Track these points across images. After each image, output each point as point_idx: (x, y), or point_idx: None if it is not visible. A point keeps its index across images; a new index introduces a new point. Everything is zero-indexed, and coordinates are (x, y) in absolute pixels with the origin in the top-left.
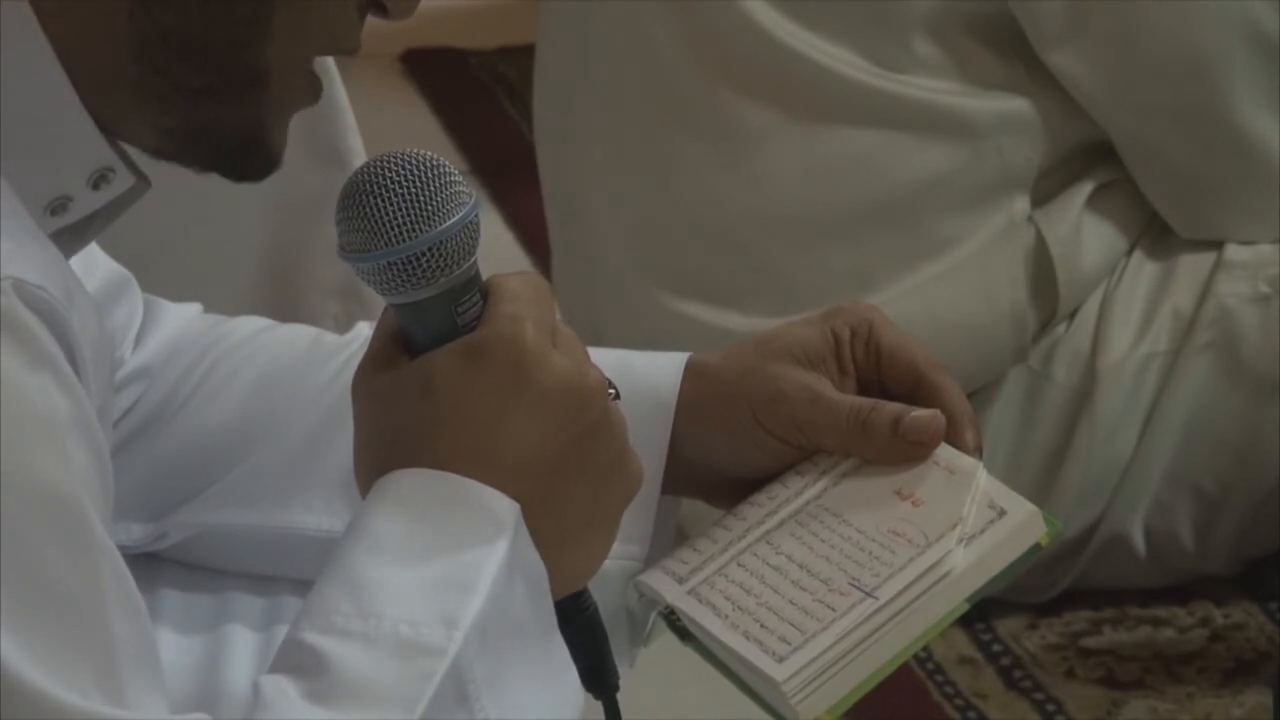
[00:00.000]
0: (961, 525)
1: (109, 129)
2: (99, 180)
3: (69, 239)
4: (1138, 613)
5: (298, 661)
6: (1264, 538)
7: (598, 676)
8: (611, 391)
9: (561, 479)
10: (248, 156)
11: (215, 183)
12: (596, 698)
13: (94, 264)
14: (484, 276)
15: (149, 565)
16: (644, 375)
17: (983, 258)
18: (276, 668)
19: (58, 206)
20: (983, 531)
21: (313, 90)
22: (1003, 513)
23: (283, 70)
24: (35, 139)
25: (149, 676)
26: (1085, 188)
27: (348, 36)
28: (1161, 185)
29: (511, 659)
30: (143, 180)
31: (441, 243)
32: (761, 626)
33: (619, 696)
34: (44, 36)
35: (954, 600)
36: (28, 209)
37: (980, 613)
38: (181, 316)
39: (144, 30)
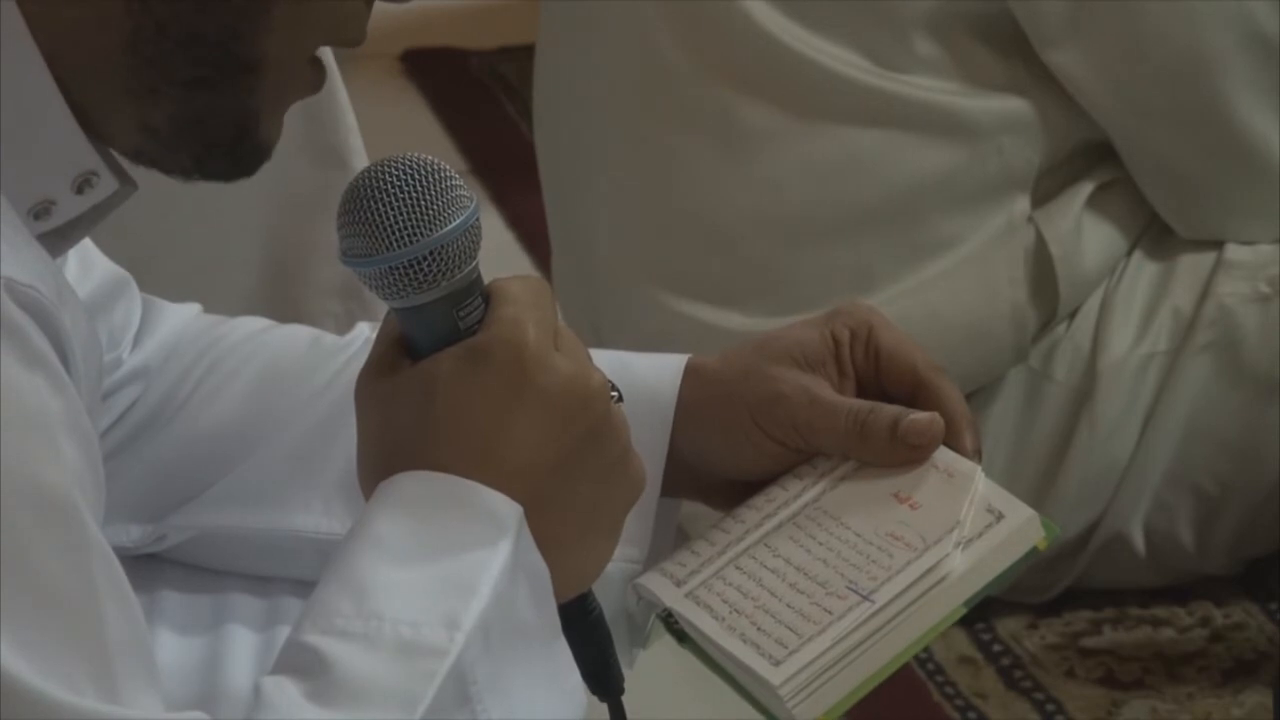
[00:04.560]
0: (959, 529)
1: (93, 130)
2: (82, 184)
3: (53, 242)
4: (1138, 613)
5: (299, 662)
6: (1264, 538)
7: (603, 678)
8: (614, 394)
9: (564, 481)
10: (237, 150)
11: (211, 183)
12: (602, 699)
13: (92, 265)
14: (485, 278)
15: (149, 566)
16: (643, 377)
17: (983, 257)
18: (278, 668)
19: (41, 210)
20: (980, 535)
21: (314, 80)
22: (1000, 516)
23: (281, 61)
24: (19, 141)
25: (144, 673)
26: (1085, 188)
27: (353, 26)
28: (1161, 185)
29: (514, 660)
30: (128, 184)
31: (443, 247)
32: (758, 630)
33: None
34: (31, 38)
35: (951, 604)
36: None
37: (980, 613)
38: (181, 316)
39: (140, 23)
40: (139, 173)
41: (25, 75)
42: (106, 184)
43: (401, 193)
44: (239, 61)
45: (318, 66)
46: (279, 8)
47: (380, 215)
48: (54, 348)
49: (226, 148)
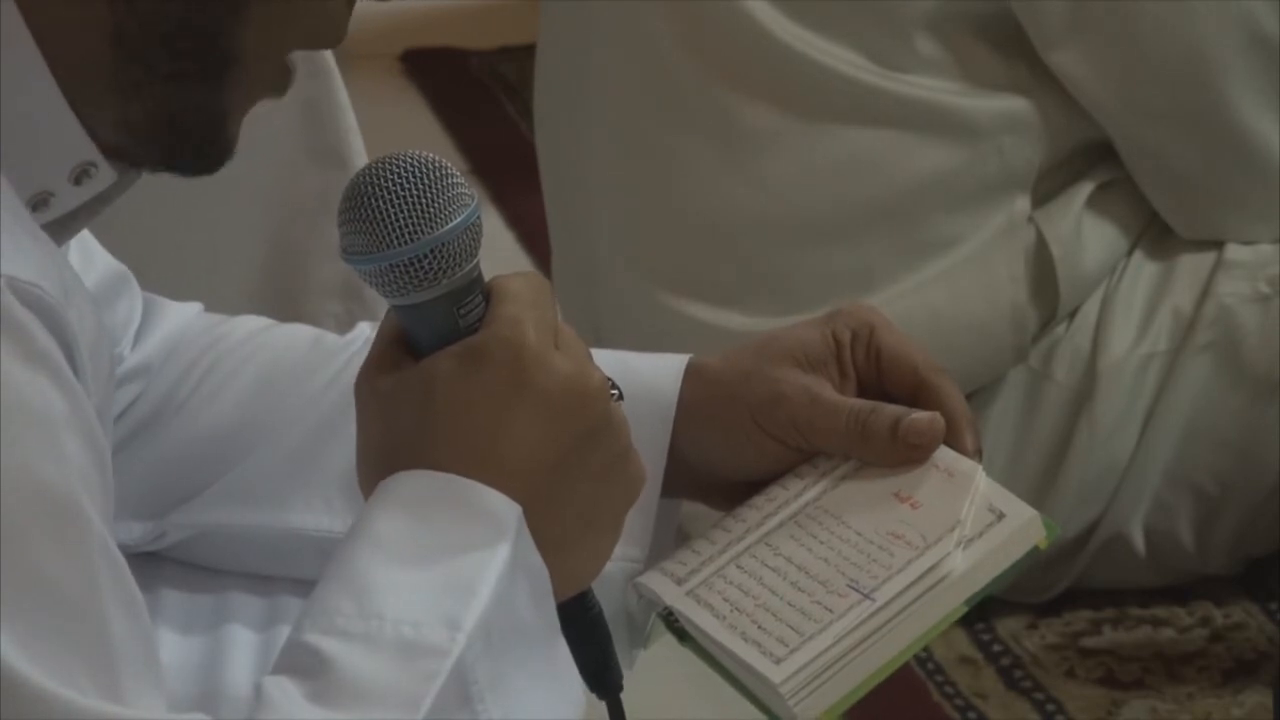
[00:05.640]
0: (960, 528)
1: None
2: (80, 175)
3: (54, 231)
4: (1138, 613)
5: (300, 662)
6: (1264, 538)
7: (601, 677)
8: (614, 393)
9: (563, 480)
10: (204, 146)
11: (216, 182)
12: (600, 698)
13: (93, 261)
14: (485, 277)
15: (149, 565)
16: (644, 377)
17: (983, 257)
18: (279, 669)
19: (39, 202)
20: (981, 534)
21: (282, 82)
22: (1001, 516)
23: (257, 58)
24: (15, 133)
25: (147, 674)
26: (1085, 187)
27: (332, 27)
28: (1162, 185)
29: (514, 660)
30: (128, 175)
31: (444, 244)
32: (759, 628)
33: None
34: (27, 30)
35: (952, 603)
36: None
37: (980, 613)
38: (182, 315)
39: (123, 19)
40: None
41: (21, 67)
42: (105, 175)
43: (403, 190)
44: (217, 56)
45: (285, 69)
46: (258, 4)
47: (381, 213)
48: (59, 345)
49: (194, 144)
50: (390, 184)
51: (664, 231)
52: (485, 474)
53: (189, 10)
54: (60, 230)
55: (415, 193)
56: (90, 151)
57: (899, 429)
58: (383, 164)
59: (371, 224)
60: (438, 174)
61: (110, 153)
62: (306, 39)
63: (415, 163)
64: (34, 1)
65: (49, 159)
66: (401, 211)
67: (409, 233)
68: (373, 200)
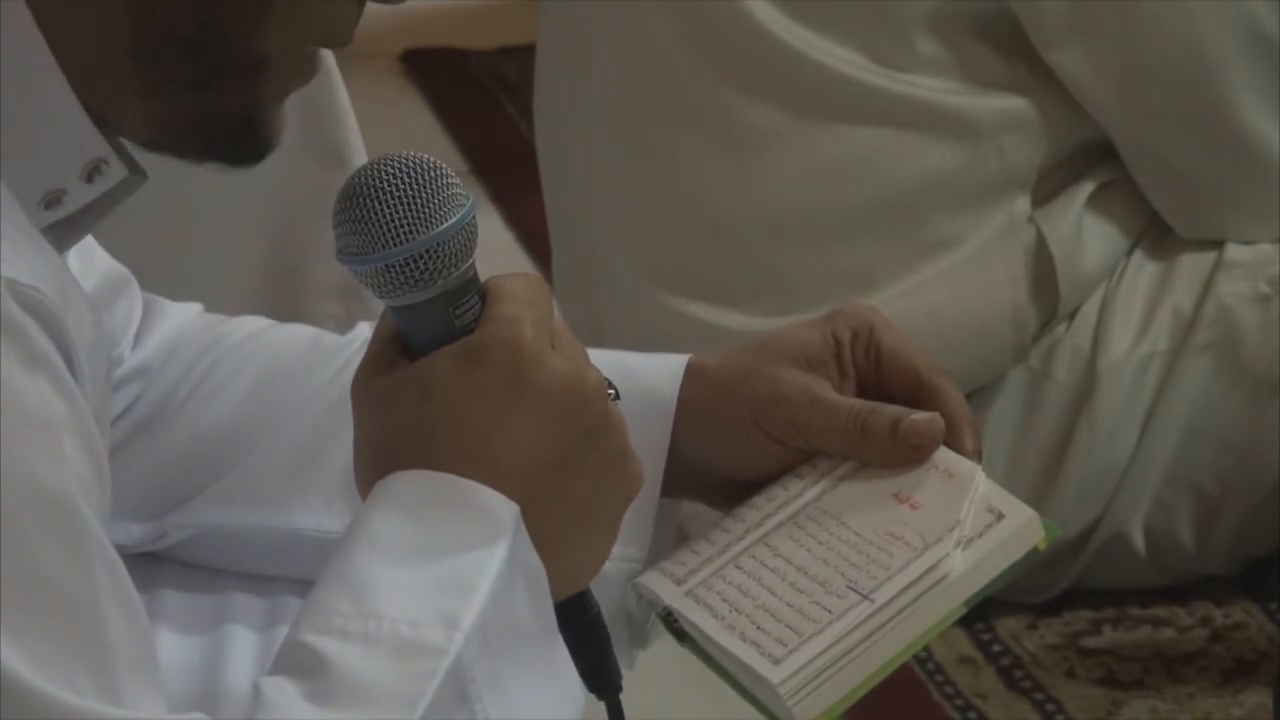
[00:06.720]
0: (959, 529)
1: (102, 121)
2: (92, 172)
3: (63, 232)
4: (1138, 613)
5: (298, 662)
6: (1264, 538)
7: (600, 677)
8: (611, 392)
9: (560, 480)
10: (243, 141)
11: (215, 182)
12: (599, 698)
13: (93, 262)
14: (483, 277)
15: (149, 565)
16: (644, 377)
17: (983, 257)
18: (277, 669)
19: (51, 200)
20: (980, 535)
21: (307, 71)
22: (1001, 516)
23: (278, 60)
24: (29, 132)
25: (146, 675)
26: (1086, 187)
27: (345, 28)
28: (1162, 185)
29: (512, 660)
30: (137, 172)
31: (439, 244)
32: (758, 628)
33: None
34: (38, 30)
35: (951, 603)
36: (21, 203)
37: (980, 613)
38: (182, 315)
39: (140, 24)
40: (148, 164)
41: (31, 65)
42: (116, 171)
43: (397, 191)
44: (238, 63)
45: (312, 58)
46: (276, 9)
47: (376, 213)
48: (58, 349)
49: (232, 141)
50: (385, 185)
51: (664, 231)
52: (482, 473)
53: (205, 18)
54: (69, 231)
55: (410, 193)
56: (102, 149)
57: (899, 429)
58: (377, 165)
59: (366, 224)
60: (432, 174)
61: (145, 146)
62: (321, 40)
63: (410, 163)
64: (48, 4)
65: (61, 157)
66: (396, 212)
67: (404, 233)
68: (367, 201)
